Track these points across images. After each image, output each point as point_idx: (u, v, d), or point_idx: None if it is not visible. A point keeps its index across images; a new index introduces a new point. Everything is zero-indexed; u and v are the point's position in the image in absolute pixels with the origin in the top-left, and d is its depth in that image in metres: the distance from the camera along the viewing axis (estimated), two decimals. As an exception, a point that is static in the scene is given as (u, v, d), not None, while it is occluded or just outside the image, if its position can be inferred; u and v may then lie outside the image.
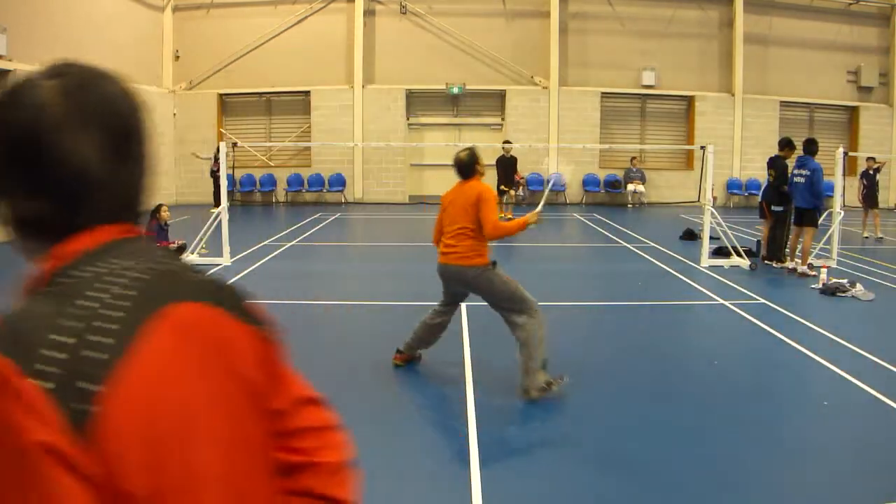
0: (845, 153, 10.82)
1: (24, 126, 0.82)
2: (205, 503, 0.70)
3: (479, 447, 4.12)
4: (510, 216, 15.28)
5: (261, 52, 18.88)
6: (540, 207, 5.34)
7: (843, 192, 10.65)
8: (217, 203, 16.81)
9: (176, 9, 18.73)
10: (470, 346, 6.13)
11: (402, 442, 4.28)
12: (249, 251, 10.97)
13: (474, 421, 4.51)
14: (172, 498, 0.69)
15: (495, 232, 4.92)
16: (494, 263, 5.03)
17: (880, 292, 8.38)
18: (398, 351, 5.55)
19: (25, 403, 0.68)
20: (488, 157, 15.89)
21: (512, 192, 15.81)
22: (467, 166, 5.13)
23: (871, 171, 13.84)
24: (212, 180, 17.18)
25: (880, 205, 14.04)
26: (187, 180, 18.99)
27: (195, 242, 10.10)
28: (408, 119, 19.22)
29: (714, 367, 5.77)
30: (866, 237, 13.37)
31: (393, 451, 4.16)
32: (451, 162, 5.26)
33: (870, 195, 13.59)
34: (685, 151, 19.81)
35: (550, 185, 7.04)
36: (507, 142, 15.79)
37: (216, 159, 16.71)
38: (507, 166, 15.28)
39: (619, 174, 19.26)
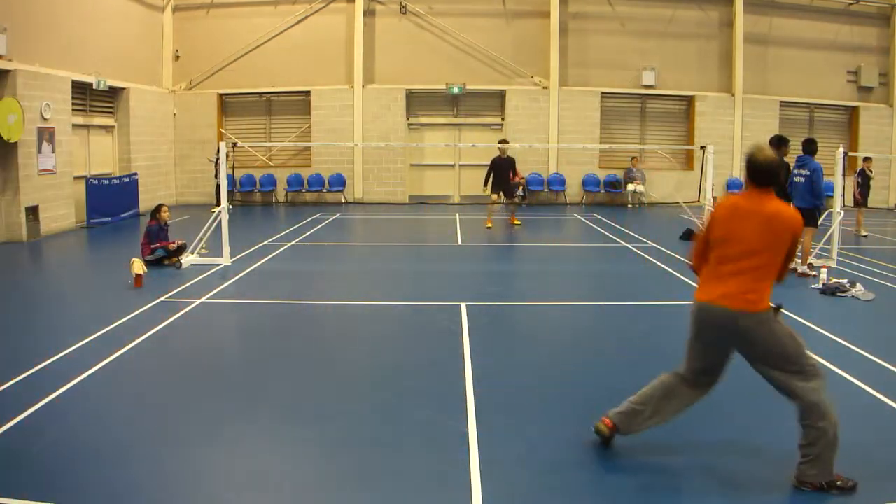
0: (845, 153, 10.82)
1: None
2: None
3: (478, 447, 4.13)
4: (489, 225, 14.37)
5: (261, 52, 18.88)
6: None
7: (843, 192, 10.65)
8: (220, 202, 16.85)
9: (176, 9, 18.72)
10: (470, 346, 6.13)
11: (403, 442, 4.28)
12: (249, 251, 10.97)
13: (474, 421, 4.51)
14: None
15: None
16: (779, 308, 3.67)
17: (880, 292, 8.38)
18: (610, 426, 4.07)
19: None
20: (488, 157, 15.76)
21: (496, 197, 14.18)
22: (772, 172, 3.63)
23: (869, 172, 13.97)
24: (216, 181, 17.21)
25: (881, 205, 14.15)
26: (187, 180, 19.00)
27: (195, 242, 10.11)
28: (408, 119, 19.22)
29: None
30: (865, 236, 13.43)
31: (393, 450, 4.16)
32: (451, 162, 5.13)
33: (865, 194, 13.82)
34: (685, 151, 19.82)
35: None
36: (503, 141, 15.04)
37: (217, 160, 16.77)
38: (502, 169, 14.08)
39: (619, 174, 19.26)
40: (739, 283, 3.57)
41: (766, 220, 3.55)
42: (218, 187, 16.93)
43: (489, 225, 14.41)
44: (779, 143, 10.21)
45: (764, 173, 3.60)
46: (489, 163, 14.37)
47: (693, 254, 3.94)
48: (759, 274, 3.57)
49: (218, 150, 12.09)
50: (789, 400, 3.67)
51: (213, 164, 16.91)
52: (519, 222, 14.97)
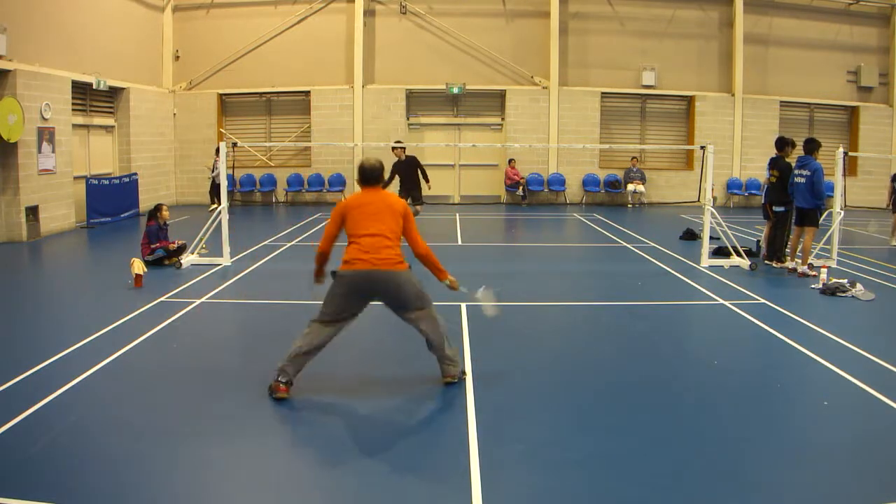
0: (845, 153, 10.81)
1: None
2: None
3: (478, 447, 4.13)
4: None
5: (261, 52, 18.87)
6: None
7: (844, 191, 10.64)
8: (212, 200, 16.86)
9: (176, 9, 18.72)
10: (470, 346, 6.13)
11: (403, 441, 4.28)
12: (249, 251, 10.97)
13: (474, 420, 4.51)
14: None
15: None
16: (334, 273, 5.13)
17: (880, 292, 8.38)
18: None
19: None
20: (488, 157, 15.73)
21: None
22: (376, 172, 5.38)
23: None
24: (209, 181, 17.24)
25: (881, 205, 13.96)
26: (187, 180, 19.00)
27: (195, 242, 10.10)
28: (408, 119, 19.21)
29: (714, 367, 5.77)
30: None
31: (393, 450, 4.16)
32: (451, 162, 5.23)
33: None
34: (685, 151, 19.82)
35: None
36: (398, 142, 13.47)
37: (215, 162, 16.77)
38: (408, 170, 12.99)
39: (619, 174, 19.27)
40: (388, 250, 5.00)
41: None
42: (213, 186, 17.08)
43: None
44: (783, 144, 10.24)
45: (370, 175, 5.30)
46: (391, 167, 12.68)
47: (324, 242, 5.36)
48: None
49: (217, 150, 12.09)
50: (422, 334, 5.08)
51: (211, 169, 16.97)
52: None
